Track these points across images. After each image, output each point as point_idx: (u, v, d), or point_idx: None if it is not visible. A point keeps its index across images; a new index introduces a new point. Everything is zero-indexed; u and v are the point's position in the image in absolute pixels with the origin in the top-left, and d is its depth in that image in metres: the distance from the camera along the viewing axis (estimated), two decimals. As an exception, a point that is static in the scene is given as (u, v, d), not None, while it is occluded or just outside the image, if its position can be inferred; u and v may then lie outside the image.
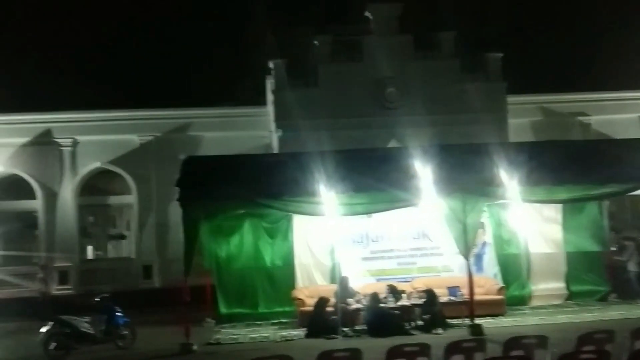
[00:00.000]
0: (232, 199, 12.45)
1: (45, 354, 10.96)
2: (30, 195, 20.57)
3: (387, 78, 19.21)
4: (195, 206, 12.13)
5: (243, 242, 14.49)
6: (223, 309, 14.20)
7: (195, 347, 11.12)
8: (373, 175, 11.83)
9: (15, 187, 20.71)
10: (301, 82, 19.49)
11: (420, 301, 12.41)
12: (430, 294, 12.35)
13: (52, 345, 11.04)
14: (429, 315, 12.07)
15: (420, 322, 12.21)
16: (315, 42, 19.87)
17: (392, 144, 18.49)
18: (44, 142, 20.51)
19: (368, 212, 13.13)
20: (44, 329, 11.12)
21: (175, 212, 18.89)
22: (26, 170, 20.44)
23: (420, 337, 10.65)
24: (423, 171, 11.79)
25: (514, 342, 6.86)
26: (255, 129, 21.07)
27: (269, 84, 20.35)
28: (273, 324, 13.45)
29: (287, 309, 13.86)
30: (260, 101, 21.48)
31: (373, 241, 14.67)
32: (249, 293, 14.40)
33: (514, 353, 6.73)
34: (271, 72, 20.01)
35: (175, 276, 17.95)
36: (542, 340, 6.94)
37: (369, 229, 14.55)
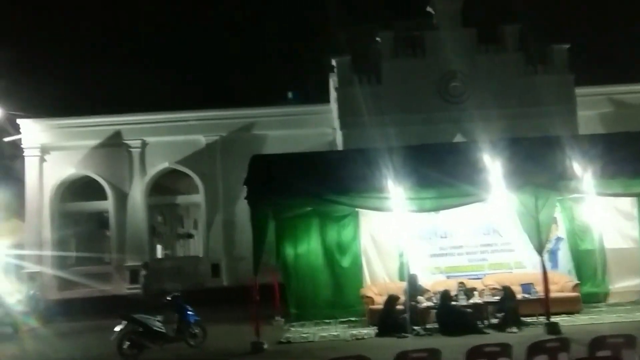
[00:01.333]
0: (299, 196, 12.56)
1: (119, 353, 11.25)
2: (102, 196, 21.47)
3: (452, 72, 19.31)
4: (263, 204, 12.28)
5: (310, 239, 14.59)
6: (292, 308, 14.35)
7: (266, 346, 11.23)
8: (441, 170, 11.66)
9: (88, 188, 21.67)
10: (364, 79, 19.59)
11: (494, 299, 12.14)
12: (507, 291, 12.05)
13: (126, 343, 11.32)
14: (503, 313, 11.78)
15: (493, 321, 11.96)
16: (378, 38, 19.97)
17: (458, 138, 18.33)
18: (114, 144, 21.38)
19: (436, 209, 12.93)
20: (117, 328, 11.45)
21: (241, 210, 19.35)
22: (97, 171, 21.36)
23: (495, 336, 10.41)
24: (492, 165, 11.55)
25: (599, 341, 6.56)
26: (319, 127, 21.22)
27: (332, 81, 20.44)
28: (342, 322, 13.45)
29: (355, 307, 13.85)
30: (324, 99, 21.59)
31: (441, 237, 14.50)
32: (317, 291, 14.47)
33: (600, 353, 6.44)
34: (334, 70, 20.12)
35: (243, 274, 18.46)
36: (629, 340, 6.60)
37: (436, 224, 14.37)
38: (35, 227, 20.90)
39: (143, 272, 18.58)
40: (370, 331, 12.15)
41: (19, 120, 21.36)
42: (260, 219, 12.27)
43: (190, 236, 23.64)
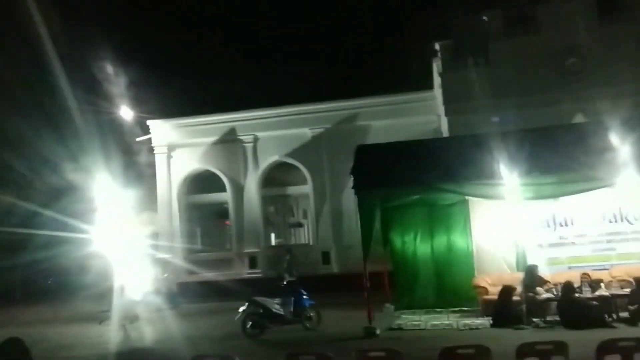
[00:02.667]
0: (406, 184, 12.07)
1: (243, 332, 11.59)
2: (222, 188, 22.27)
3: (569, 47, 17.29)
4: (370, 193, 11.96)
5: (418, 227, 14.04)
6: (401, 295, 13.92)
7: (378, 332, 10.99)
8: (560, 154, 10.60)
9: (209, 181, 22.58)
10: (470, 62, 18.24)
11: (622, 291, 10.91)
12: (639, 283, 10.77)
13: (249, 324, 11.68)
14: (635, 306, 10.55)
15: (623, 314, 10.76)
16: (484, 17, 18.53)
17: (578, 119, 16.49)
18: (230, 139, 22.10)
19: (556, 195, 11.76)
20: (241, 309, 11.79)
21: (348, 200, 19.20)
22: (217, 166, 22.19)
23: (626, 331, 9.37)
24: (619, 146, 10.28)
25: None
26: (423, 114, 20.52)
27: (436, 66, 19.55)
28: (453, 311, 12.82)
29: (467, 296, 13.13)
30: (427, 85, 20.84)
31: (561, 226, 13.01)
32: (425, 279, 13.90)
33: None
34: (438, 54, 19.21)
35: (352, 262, 18.29)
36: None
37: (555, 212, 12.97)
38: (166, 218, 22.10)
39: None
40: (484, 321, 11.43)
41: (148, 122, 22.66)
42: (367, 208, 11.97)
43: (300, 225, 23.91)
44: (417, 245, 13.99)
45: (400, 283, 14.03)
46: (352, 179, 12.21)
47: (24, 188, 24.83)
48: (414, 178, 11.70)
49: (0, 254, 28.04)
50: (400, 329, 11.59)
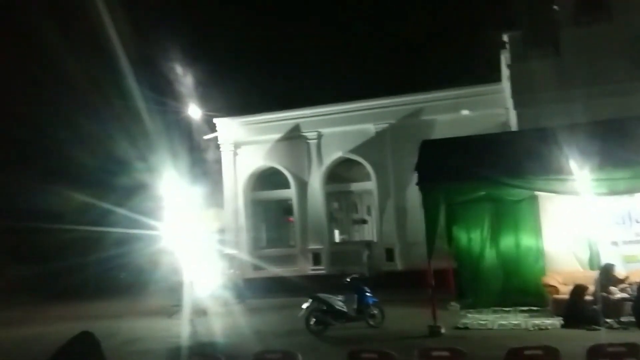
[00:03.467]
0: (472, 180, 11.88)
1: (307, 328, 11.79)
2: (286, 185, 22.65)
3: None
4: (434, 189, 11.87)
5: (485, 224, 13.79)
6: (466, 293, 13.74)
7: (443, 330, 10.91)
8: (635, 147, 10.15)
9: (274, 178, 23.01)
10: (540, 53, 17.65)
11: None
12: None
13: (312, 320, 11.87)
14: None
15: None
16: (554, 6, 17.89)
17: (657, 110, 15.68)
18: (294, 136, 22.41)
19: (632, 191, 11.26)
20: (304, 306, 12.00)
21: (413, 196, 19.03)
22: (281, 162, 22.58)
23: None
24: None
25: None
26: (490, 108, 20.04)
27: (504, 58, 19.01)
28: (522, 311, 12.53)
29: (536, 296, 12.79)
30: (494, 78, 20.32)
31: (637, 222, 12.50)
32: (492, 278, 13.62)
33: None
34: (506, 46, 18.68)
35: (416, 259, 18.18)
36: None
37: (631, 208, 12.46)
38: (232, 214, 22.72)
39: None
40: (554, 322, 11.12)
41: (215, 120, 23.37)
42: (432, 204, 11.87)
43: (364, 222, 23.96)
44: (484, 242, 13.75)
45: (465, 281, 13.85)
46: (417, 174, 12.16)
47: (97, 187, 26.19)
48: (480, 173, 11.49)
49: (75, 250, 29.81)
50: (466, 328, 11.45)
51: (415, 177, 12.23)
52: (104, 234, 26.53)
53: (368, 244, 19.09)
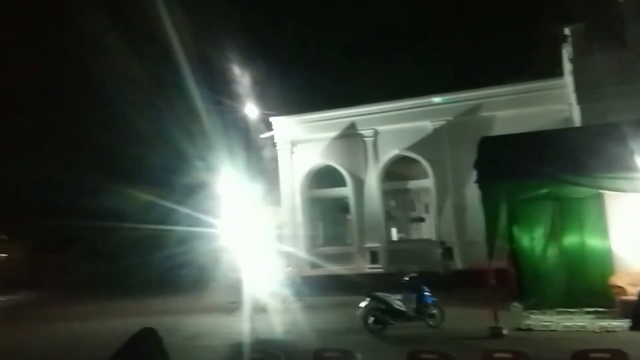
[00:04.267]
0: (533, 178, 11.66)
1: (365, 327, 11.87)
2: (342, 183, 22.79)
3: None
4: (494, 187, 11.72)
5: (548, 222, 13.51)
6: (528, 294, 13.48)
7: (505, 332, 10.77)
8: None
9: (330, 176, 23.19)
10: (604, 46, 17.09)
11: None
12: None
13: (371, 319, 11.95)
14: None
15: None
16: (620, -1, 17.25)
17: None
18: (350, 134, 22.52)
19: None
20: (362, 304, 12.10)
21: (472, 194, 18.72)
22: (337, 160, 22.74)
23: None
24: None
25: None
26: (551, 103, 19.50)
27: (566, 52, 18.46)
28: (588, 312, 12.19)
29: (602, 297, 12.38)
30: (556, 72, 19.73)
31: None
32: (555, 278, 13.34)
33: None
34: (568, 39, 18.14)
35: (476, 258, 17.88)
36: None
37: None
38: (289, 212, 23.06)
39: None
40: (622, 324, 10.79)
41: (271, 119, 23.79)
42: (491, 202, 11.71)
43: (421, 220, 23.82)
44: (547, 241, 13.48)
45: (528, 281, 13.59)
46: (476, 172, 12.03)
47: (160, 185, 27.16)
48: (542, 171, 11.26)
49: (139, 248, 31.04)
50: (529, 329, 11.26)
51: (474, 175, 12.09)
52: (166, 232, 27.52)
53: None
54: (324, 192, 23.58)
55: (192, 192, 24.36)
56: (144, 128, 28.39)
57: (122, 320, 16.55)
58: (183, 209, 24.32)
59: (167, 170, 27.28)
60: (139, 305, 21.93)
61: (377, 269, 21.18)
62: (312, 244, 22.98)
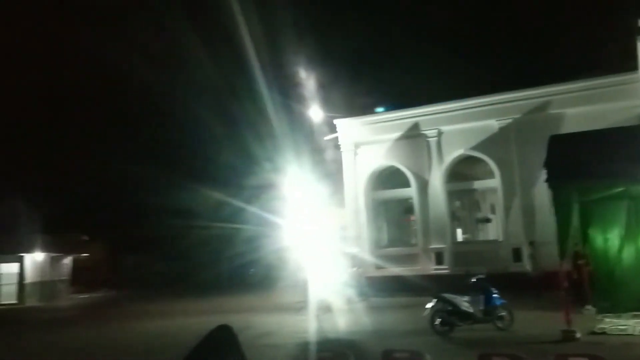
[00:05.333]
0: (607, 176, 11.14)
1: (432, 329, 11.72)
2: (406, 183, 22.59)
3: None
4: (566, 187, 11.28)
5: (623, 223, 12.81)
6: (603, 297, 12.85)
7: (578, 335, 10.37)
8: None
9: (394, 177, 23.05)
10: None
11: None
12: None
13: (437, 320, 11.78)
14: None
15: None
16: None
17: None
18: (413, 135, 22.31)
19: None
20: (429, 305, 11.95)
21: (541, 194, 18.15)
22: (401, 161, 22.57)
23: None
24: None
25: None
26: (625, 99, 18.58)
27: (640, 45, 17.55)
28: (668, 317, 11.53)
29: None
30: (630, 67, 18.74)
31: None
32: (633, 280, 12.62)
33: None
34: (642, 31, 17.22)
35: (546, 260, 17.35)
36: None
37: None
38: (353, 213, 23.08)
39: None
40: None
41: (335, 121, 23.90)
42: (563, 202, 11.29)
43: (488, 220, 23.22)
44: (622, 242, 12.78)
45: (602, 284, 12.95)
46: (546, 171, 11.63)
47: (229, 186, 27.86)
48: (616, 169, 10.78)
49: (210, 247, 31.98)
50: (603, 333, 10.79)
51: (543, 174, 11.70)
52: (235, 231, 28.22)
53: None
54: (388, 193, 23.45)
55: (260, 192, 24.84)
56: (216, 129, 29.21)
57: (196, 318, 17.14)
58: (251, 209, 24.87)
59: (236, 171, 27.96)
60: (210, 303, 22.61)
61: (443, 270, 20.84)
62: (376, 245, 22.90)
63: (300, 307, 17.14)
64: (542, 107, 20.09)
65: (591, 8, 25.37)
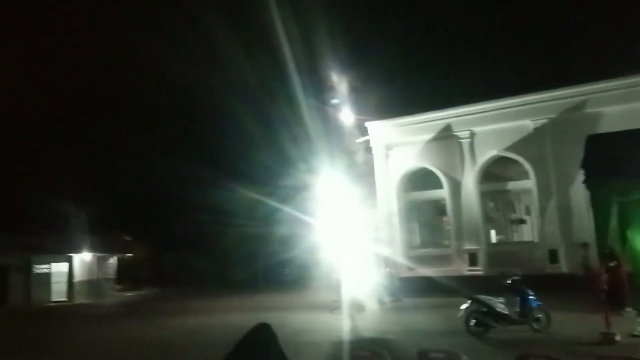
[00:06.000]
0: (649, 177, 10.68)
1: (467, 330, 11.45)
2: (438, 185, 22.22)
3: None
4: (604, 187, 10.84)
5: (664, 225, 12.27)
6: (643, 299, 12.34)
7: (618, 338, 9.94)
8: None
9: (426, 178, 22.72)
10: None
11: None
12: None
13: (472, 321, 11.50)
14: None
15: None
16: None
17: None
18: (445, 136, 21.92)
19: None
20: (463, 306, 11.68)
21: (577, 194, 17.65)
22: (433, 163, 22.21)
23: None
24: None
25: None
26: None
27: (682, 41, 16.85)
28: None
29: None
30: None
31: None
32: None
33: None
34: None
35: (582, 261, 16.80)
36: None
37: None
38: (385, 214, 22.84)
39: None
40: None
41: (366, 123, 23.72)
42: (601, 203, 10.86)
43: (522, 222, 22.68)
44: (663, 244, 12.21)
45: (641, 286, 12.41)
46: (583, 171, 11.21)
47: (264, 186, 27.97)
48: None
49: (246, 246, 32.19)
50: (644, 336, 10.32)
51: (580, 174, 11.28)
52: (271, 231, 28.32)
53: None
54: (420, 194, 23.12)
55: (295, 193, 24.85)
56: (253, 130, 29.40)
57: (234, 315, 17.25)
58: (286, 209, 24.91)
59: (271, 172, 28.07)
60: (247, 301, 22.75)
61: (477, 271, 20.40)
62: (409, 246, 22.60)
63: (334, 307, 17.04)
64: (579, 107, 19.46)
65: (630, 4, 24.52)
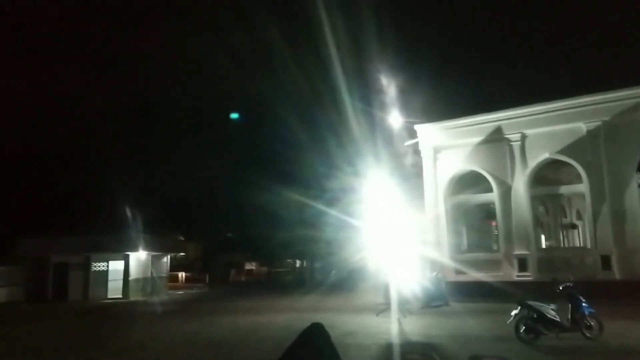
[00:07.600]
0: None
1: (517, 336, 11.24)
2: (488, 188, 21.86)
3: None
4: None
5: None
6: None
7: (675, 349, 9.61)
8: None
9: (475, 181, 22.38)
10: None
11: None
12: None
13: (522, 328, 11.30)
14: None
15: None
16: None
17: None
18: (495, 139, 21.57)
19: None
20: (513, 312, 11.49)
21: (632, 199, 17.07)
22: (482, 166, 21.88)
23: None
24: None
25: None
26: None
27: None
28: None
29: None
30: None
31: None
32: None
33: None
34: None
35: (638, 268, 16.23)
36: None
37: None
38: (433, 217, 22.63)
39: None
40: None
41: (415, 126, 23.60)
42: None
43: (574, 227, 22.06)
44: None
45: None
46: (639, 175, 10.90)
47: (312, 189, 28.22)
48: None
49: (294, 248, 32.55)
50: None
51: (637, 178, 10.97)
52: (318, 233, 28.54)
53: None
54: (468, 198, 22.80)
55: (342, 196, 24.99)
56: (301, 134, 29.71)
57: (284, 314, 17.53)
58: (333, 212, 25.08)
59: (319, 175, 28.29)
60: (295, 302, 22.99)
61: (526, 277, 19.96)
62: (456, 250, 22.33)
63: (381, 309, 17.05)
64: (634, 109, 18.78)
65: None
